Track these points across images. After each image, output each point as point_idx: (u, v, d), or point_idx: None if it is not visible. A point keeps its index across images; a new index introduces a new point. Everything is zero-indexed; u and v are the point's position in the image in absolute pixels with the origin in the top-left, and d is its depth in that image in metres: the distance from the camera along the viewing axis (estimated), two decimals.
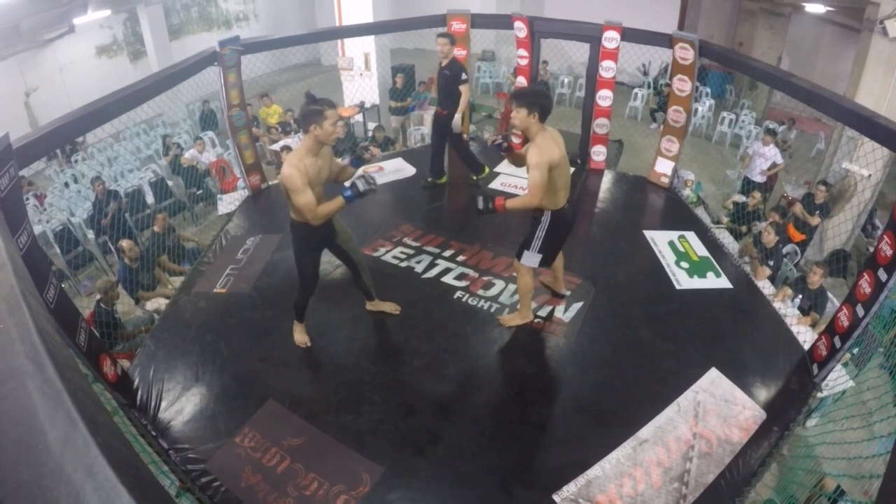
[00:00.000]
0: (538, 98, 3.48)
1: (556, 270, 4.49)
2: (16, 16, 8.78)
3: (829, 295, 4.98)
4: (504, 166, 6.84)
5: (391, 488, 3.15)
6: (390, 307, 4.42)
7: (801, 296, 4.88)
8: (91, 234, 6.86)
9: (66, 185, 8.22)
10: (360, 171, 3.74)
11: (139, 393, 3.78)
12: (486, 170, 6.62)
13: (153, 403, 3.70)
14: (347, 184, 3.39)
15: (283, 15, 15.46)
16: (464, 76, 5.81)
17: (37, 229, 6.00)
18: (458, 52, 6.94)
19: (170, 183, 8.02)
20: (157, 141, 9.74)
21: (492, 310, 4.48)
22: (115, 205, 6.72)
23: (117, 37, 11.81)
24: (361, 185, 3.33)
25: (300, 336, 4.11)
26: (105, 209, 6.64)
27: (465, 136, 7.37)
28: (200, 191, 7.89)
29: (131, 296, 5.47)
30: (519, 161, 3.92)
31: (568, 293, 4.65)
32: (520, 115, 3.46)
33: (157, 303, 5.25)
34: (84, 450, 0.94)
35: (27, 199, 7.10)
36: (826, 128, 9.23)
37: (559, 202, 3.71)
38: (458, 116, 6.04)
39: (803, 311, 4.76)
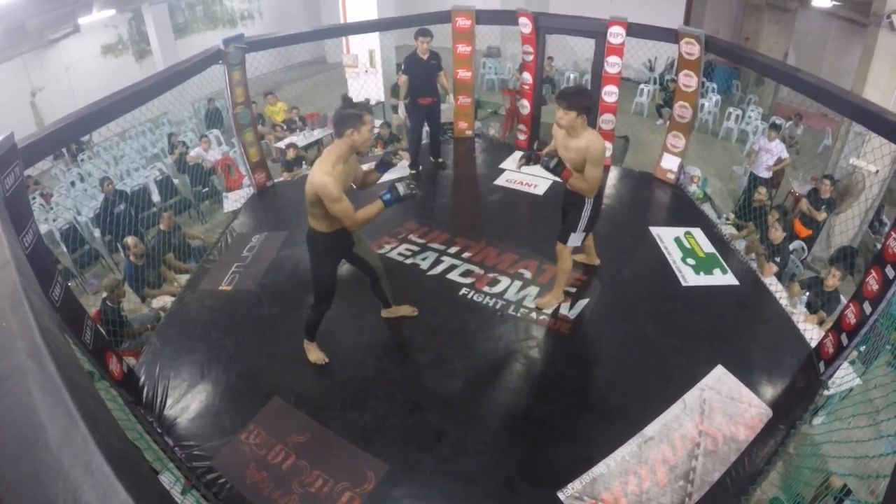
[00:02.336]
0: (586, 100, 3.64)
1: (587, 246, 4.75)
2: (21, 16, 8.81)
3: (840, 295, 4.94)
4: (509, 163, 6.83)
5: (396, 485, 3.15)
6: (407, 310, 4.36)
7: (808, 292, 4.85)
8: (97, 233, 6.88)
9: (73, 183, 8.25)
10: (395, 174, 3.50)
11: (145, 390, 3.80)
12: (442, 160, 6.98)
13: (159, 401, 3.72)
14: (386, 187, 3.25)
15: (288, 12, 15.46)
16: (441, 63, 6.21)
17: (43, 228, 6.03)
18: (463, 49, 6.96)
19: (175, 181, 8.04)
20: (162, 139, 9.76)
21: (497, 306, 4.48)
22: (125, 206, 6.75)
23: (122, 36, 11.84)
24: (402, 189, 3.19)
25: (315, 354, 3.98)
26: (113, 209, 6.66)
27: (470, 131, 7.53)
28: (206, 189, 7.90)
29: (137, 293, 5.49)
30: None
31: (598, 262, 4.88)
32: (569, 117, 3.61)
33: (162, 300, 5.26)
34: (83, 447, 0.94)
35: (33, 198, 7.14)
36: (833, 123, 9.15)
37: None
38: (450, 99, 6.55)
39: (810, 307, 4.73)
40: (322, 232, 3.41)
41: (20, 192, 2.85)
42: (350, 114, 3.13)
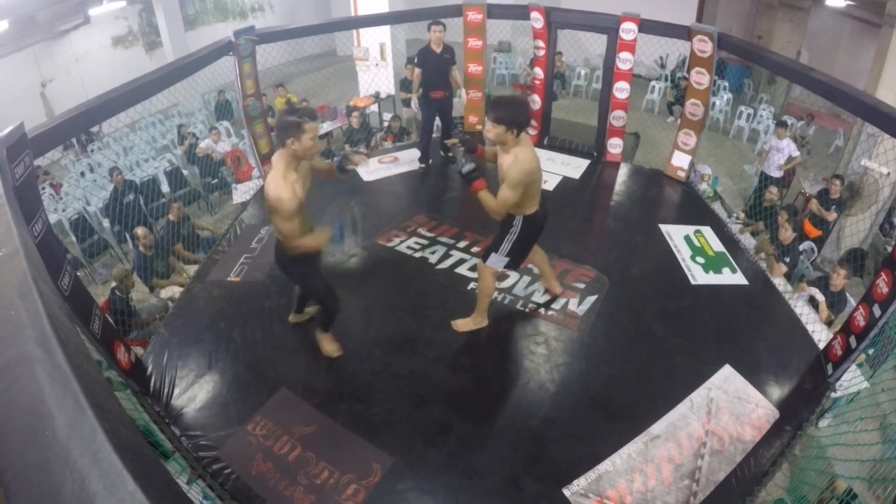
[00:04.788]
0: (517, 115, 3.29)
1: (543, 269, 4.46)
2: (32, 7, 8.84)
3: (848, 296, 4.90)
4: None
5: (401, 478, 3.16)
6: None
7: (815, 289, 4.82)
8: (106, 223, 6.92)
9: (82, 174, 8.29)
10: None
11: (152, 380, 3.82)
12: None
13: (166, 391, 3.74)
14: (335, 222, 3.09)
15: (299, 5, 15.45)
16: (454, 58, 6.20)
17: (53, 218, 6.05)
18: (474, 43, 6.94)
19: (185, 172, 8.06)
20: (172, 131, 9.78)
21: (505, 301, 4.47)
22: (134, 196, 6.78)
23: (133, 27, 11.86)
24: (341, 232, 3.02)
25: (329, 346, 3.93)
26: (123, 199, 6.69)
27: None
28: (215, 180, 7.93)
29: (146, 283, 5.51)
30: (488, 159, 3.81)
31: (561, 291, 4.56)
32: (497, 131, 3.29)
33: (171, 291, 5.28)
34: (91, 436, 0.94)
35: (43, 188, 7.17)
36: (845, 124, 9.08)
37: (532, 209, 3.62)
38: (461, 93, 6.62)
39: (814, 301, 4.70)
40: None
41: (30, 181, 2.86)
42: (289, 122, 2.96)
